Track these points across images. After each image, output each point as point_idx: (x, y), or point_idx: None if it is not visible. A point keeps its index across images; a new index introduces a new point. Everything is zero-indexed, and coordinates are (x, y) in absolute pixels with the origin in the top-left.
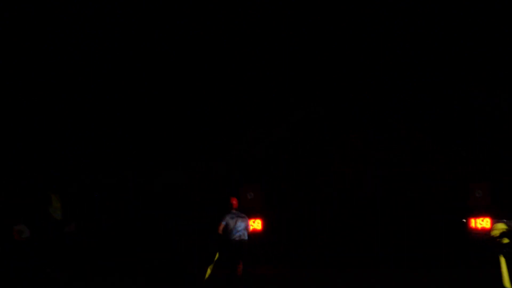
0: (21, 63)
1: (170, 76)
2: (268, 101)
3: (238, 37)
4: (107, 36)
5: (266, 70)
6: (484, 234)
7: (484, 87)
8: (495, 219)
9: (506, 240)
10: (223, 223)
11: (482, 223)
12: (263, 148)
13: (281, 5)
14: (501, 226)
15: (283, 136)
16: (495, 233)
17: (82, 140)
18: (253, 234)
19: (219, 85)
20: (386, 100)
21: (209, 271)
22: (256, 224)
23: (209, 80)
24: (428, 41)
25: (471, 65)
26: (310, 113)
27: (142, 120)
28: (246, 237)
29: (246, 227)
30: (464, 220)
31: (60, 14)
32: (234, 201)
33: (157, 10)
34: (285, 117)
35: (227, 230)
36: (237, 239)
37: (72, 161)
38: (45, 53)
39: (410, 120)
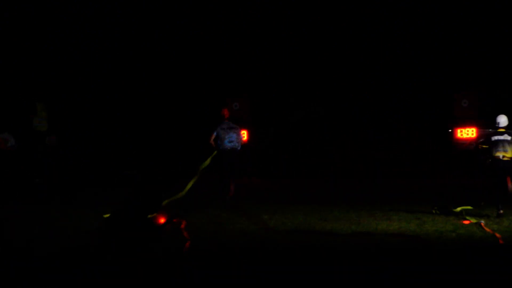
0: (21, 62)
1: (170, 76)
2: (268, 100)
3: (238, 37)
4: (107, 36)
5: (266, 70)
6: (469, 144)
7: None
8: (481, 129)
9: None
10: (214, 134)
11: (467, 133)
12: None
13: (281, 5)
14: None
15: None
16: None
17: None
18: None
19: (219, 85)
20: (386, 100)
21: (190, 184)
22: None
23: (209, 80)
24: (428, 41)
25: (471, 65)
26: (310, 113)
27: None
28: (238, 147)
29: (238, 138)
30: (450, 131)
31: (60, 14)
32: (225, 112)
33: (157, 10)
34: (285, 117)
35: (219, 141)
36: (228, 148)
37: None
38: (46, 53)
39: (410, 120)
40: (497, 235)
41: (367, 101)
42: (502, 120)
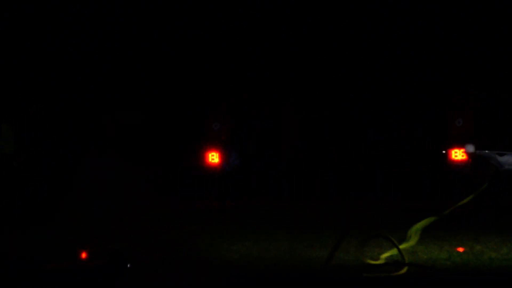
0: (20, 61)
1: (170, 77)
2: (268, 100)
3: (238, 37)
4: (107, 36)
5: (266, 70)
6: (464, 165)
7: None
8: (478, 150)
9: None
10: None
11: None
12: None
13: (281, 5)
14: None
15: None
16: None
17: None
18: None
19: (219, 85)
20: (386, 100)
21: None
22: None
23: (209, 81)
24: (428, 41)
25: (471, 65)
26: (309, 113)
27: None
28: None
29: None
30: (444, 152)
31: (60, 14)
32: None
33: (157, 10)
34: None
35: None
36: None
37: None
38: (45, 53)
39: (410, 120)
40: None
41: (367, 101)
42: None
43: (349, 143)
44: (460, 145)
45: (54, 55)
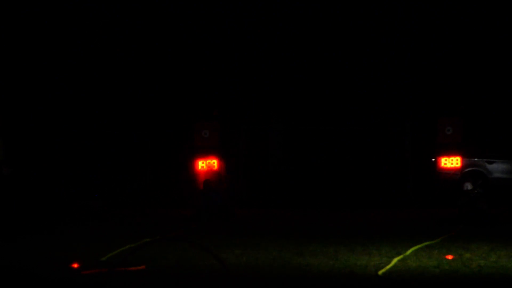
0: (21, 62)
1: (169, 77)
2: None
3: (237, 37)
4: (106, 36)
5: (266, 70)
6: (454, 173)
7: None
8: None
9: None
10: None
11: (452, 162)
12: None
13: (281, 5)
14: None
15: None
16: None
17: None
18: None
19: (218, 86)
20: (386, 100)
21: None
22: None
23: (208, 81)
24: (428, 41)
25: (471, 65)
26: (310, 113)
27: None
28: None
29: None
30: (433, 160)
31: (61, 14)
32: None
33: (158, 10)
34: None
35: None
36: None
37: None
38: (45, 53)
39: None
40: None
41: (367, 101)
42: None
43: (336, 150)
44: (449, 153)
45: (54, 58)
